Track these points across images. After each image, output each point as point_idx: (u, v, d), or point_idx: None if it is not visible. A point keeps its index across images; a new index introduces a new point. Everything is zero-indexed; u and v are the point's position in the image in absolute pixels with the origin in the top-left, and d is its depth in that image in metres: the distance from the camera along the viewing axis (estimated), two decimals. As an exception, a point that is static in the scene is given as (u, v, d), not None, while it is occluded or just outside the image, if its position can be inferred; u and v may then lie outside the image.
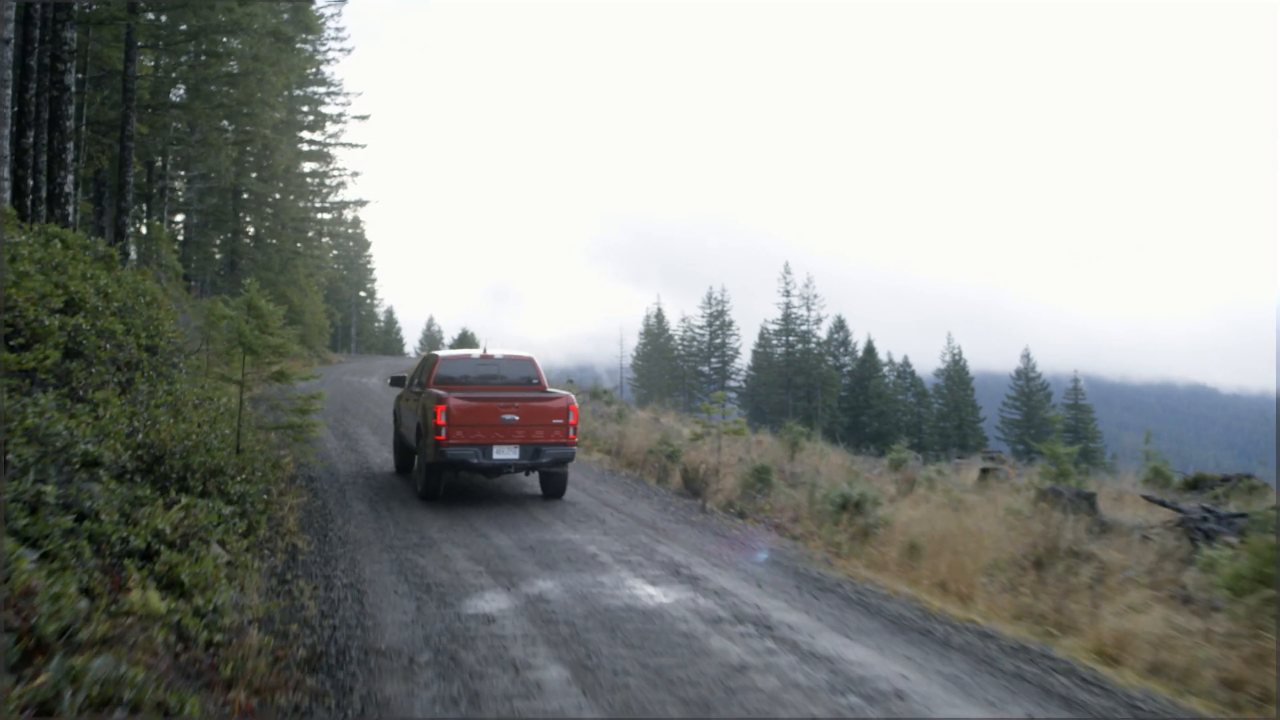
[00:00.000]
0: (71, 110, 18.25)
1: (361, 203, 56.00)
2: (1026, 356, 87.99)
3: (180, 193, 38.40)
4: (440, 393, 11.00)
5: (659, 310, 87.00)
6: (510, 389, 12.11)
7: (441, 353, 12.52)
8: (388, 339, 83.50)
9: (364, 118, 47.41)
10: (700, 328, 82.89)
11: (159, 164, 33.07)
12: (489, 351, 12.43)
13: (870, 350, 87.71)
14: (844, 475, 15.14)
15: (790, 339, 79.90)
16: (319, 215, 49.59)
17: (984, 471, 16.89)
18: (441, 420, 10.57)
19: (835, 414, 79.83)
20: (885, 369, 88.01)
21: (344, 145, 47.90)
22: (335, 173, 48.94)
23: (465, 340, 48.89)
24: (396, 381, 13.33)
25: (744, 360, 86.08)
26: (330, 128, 47.16)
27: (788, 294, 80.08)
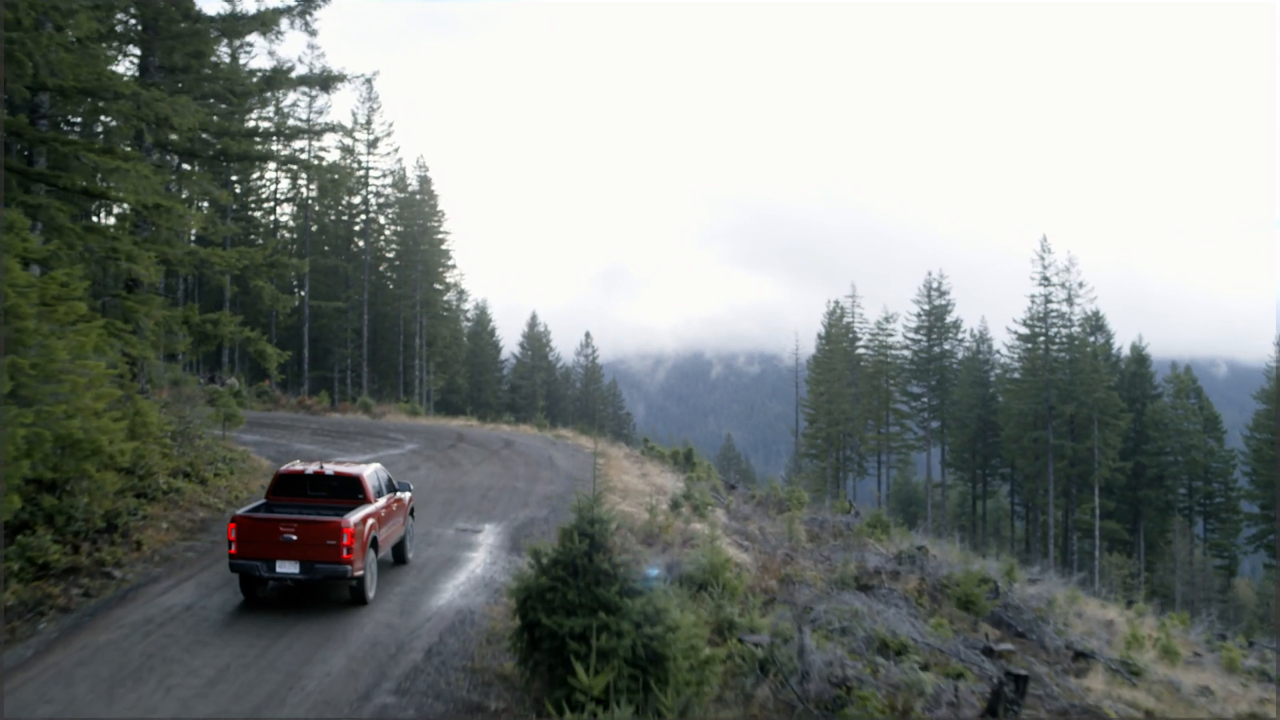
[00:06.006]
0: None
1: (326, 79, 22.61)
2: (1369, 369, 61.71)
3: None
4: (239, 510, 12.38)
5: (838, 305, 62.00)
6: (336, 502, 13.04)
7: (283, 467, 13.84)
8: (478, 345, 59.90)
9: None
10: (913, 331, 57.82)
11: None
12: (323, 468, 13.59)
13: (1141, 359, 62.15)
14: None
15: (1052, 348, 54.52)
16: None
17: None
18: (231, 535, 11.83)
19: (1115, 459, 54.78)
20: (1160, 386, 62.53)
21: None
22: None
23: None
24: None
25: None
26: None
27: (1046, 282, 54.70)
